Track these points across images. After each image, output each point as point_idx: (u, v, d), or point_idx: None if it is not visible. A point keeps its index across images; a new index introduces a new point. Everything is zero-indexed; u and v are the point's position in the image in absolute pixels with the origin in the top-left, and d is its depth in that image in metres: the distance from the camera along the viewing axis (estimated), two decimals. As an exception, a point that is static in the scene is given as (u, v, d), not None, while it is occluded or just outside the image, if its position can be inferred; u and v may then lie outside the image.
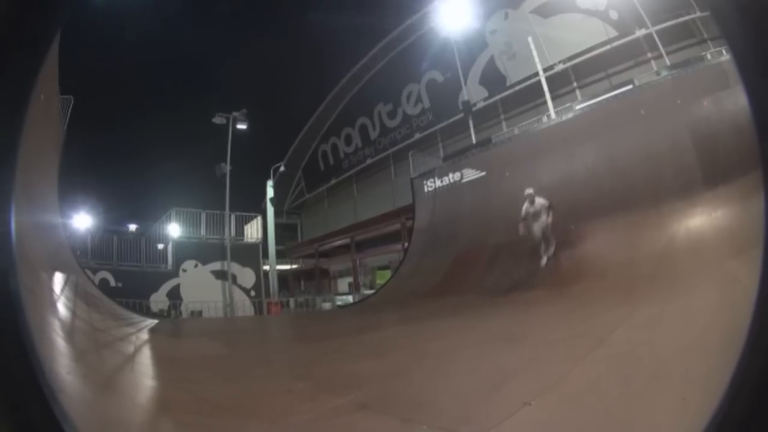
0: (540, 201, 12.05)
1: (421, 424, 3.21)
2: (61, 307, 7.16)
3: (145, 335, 10.82)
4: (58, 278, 8.83)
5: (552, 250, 11.97)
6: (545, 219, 11.91)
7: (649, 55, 19.55)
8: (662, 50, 18.58)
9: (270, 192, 30.30)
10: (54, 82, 11.41)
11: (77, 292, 10.13)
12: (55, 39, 1.45)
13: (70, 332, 6.06)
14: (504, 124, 25.08)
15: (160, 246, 24.76)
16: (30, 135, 6.30)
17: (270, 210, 29.75)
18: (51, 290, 7.21)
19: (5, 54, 1.19)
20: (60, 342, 4.85)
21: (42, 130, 9.41)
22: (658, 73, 16.30)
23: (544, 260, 11.94)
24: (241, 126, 26.22)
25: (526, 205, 12.18)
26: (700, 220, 9.36)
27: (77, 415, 3.03)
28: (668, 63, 17.58)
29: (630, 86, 16.29)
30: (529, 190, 12.24)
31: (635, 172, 11.72)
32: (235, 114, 26.01)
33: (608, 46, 20.55)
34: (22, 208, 5.45)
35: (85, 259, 20.43)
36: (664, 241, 9.52)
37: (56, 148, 13.04)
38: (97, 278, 20.14)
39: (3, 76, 1.20)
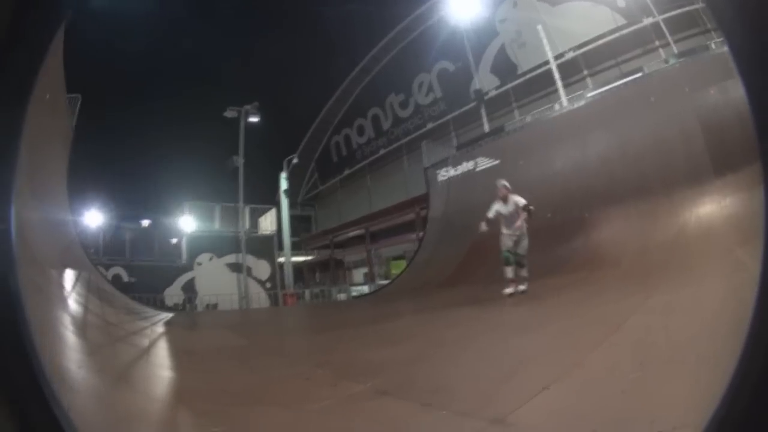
0: (516, 200, 9.21)
1: (440, 409, 3.25)
2: (72, 304, 7.24)
3: (160, 328, 10.93)
4: (69, 275, 8.93)
5: (525, 285, 9.23)
6: (520, 228, 9.20)
7: (657, 43, 19.39)
8: (669, 38, 18.43)
9: (284, 184, 30.43)
10: (60, 80, 11.36)
11: (89, 288, 10.23)
12: (58, 33, 1.47)
13: (81, 328, 6.12)
14: (516, 112, 24.91)
15: (174, 240, 25.02)
16: (37, 133, 6.35)
17: (284, 202, 29.94)
18: (61, 287, 7.29)
19: (6, 51, 1.21)
20: (71, 338, 4.90)
21: (49, 128, 9.44)
22: (666, 61, 16.16)
23: (509, 290, 9.10)
24: (253, 119, 26.24)
25: (497, 205, 9.36)
26: (710, 208, 9.38)
27: (91, 408, 3.12)
28: (675, 51, 17.44)
29: (640, 74, 16.20)
30: (502, 182, 9.49)
31: (646, 159, 11.65)
32: (247, 107, 26.03)
33: (617, 34, 20.35)
34: (30, 206, 5.53)
35: (97, 256, 20.66)
36: (676, 229, 9.51)
37: (65, 145, 13.10)
38: (109, 274, 20.46)
39: (4, 72, 1.22)
